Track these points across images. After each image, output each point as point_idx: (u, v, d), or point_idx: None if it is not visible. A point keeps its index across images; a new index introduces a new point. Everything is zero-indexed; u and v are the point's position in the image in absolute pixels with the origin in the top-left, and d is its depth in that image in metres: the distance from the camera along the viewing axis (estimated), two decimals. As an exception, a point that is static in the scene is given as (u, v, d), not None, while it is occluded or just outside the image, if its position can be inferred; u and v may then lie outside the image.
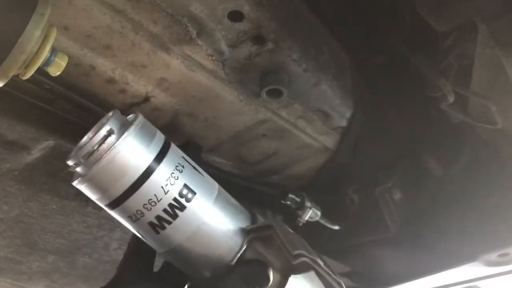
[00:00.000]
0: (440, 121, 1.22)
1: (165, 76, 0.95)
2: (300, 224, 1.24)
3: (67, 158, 0.61)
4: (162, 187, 0.60)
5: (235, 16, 0.87)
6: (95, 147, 0.58)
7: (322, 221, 1.29)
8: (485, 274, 1.31)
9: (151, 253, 0.72)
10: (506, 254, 1.16)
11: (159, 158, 0.61)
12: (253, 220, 0.71)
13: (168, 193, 0.60)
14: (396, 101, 1.26)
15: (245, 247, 0.66)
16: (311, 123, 1.18)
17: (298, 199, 1.23)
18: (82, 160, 0.59)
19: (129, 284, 0.68)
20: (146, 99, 0.98)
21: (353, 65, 1.21)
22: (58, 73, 0.69)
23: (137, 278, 0.69)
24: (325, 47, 1.09)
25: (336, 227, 1.34)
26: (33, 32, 0.60)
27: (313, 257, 0.67)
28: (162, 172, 0.60)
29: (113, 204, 0.60)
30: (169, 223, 0.61)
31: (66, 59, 0.69)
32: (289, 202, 1.23)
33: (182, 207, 0.61)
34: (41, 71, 0.67)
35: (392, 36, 1.17)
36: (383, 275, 1.44)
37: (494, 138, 1.15)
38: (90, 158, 0.59)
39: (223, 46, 0.93)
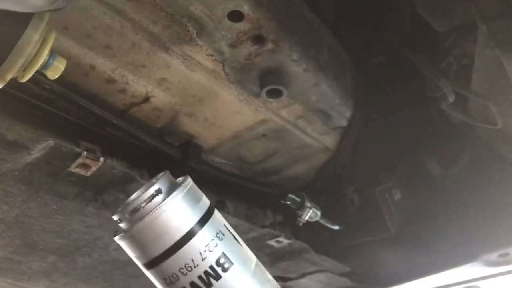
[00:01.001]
0: (440, 121, 1.23)
1: (165, 76, 0.95)
2: (300, 224, 1.24)
3: (114, 213, 0.62)
4: (200, 252, 0.60)
5: (235, 16, 0.87)
6: (142, 205, 0.59)
7: (322, 221, 1.29)
8: (485, 274, 1.32)
9: None
10: (506, 254, 1.17)
11: (201, 222, 0.61)
12: None
13: (206, 260, 0.60)
14: (396, 101, 1.26)
15: None
16: (311, 123, 1.18)
17: (298, 199, 1.23)
18: (127, 216, 0.60)
19: None
20: (146, 99, 0.98)
21: (353, 65, 1.21)
22: (57, 76, 0.69)
23: None
24: (325, 47, 1.09)
25: (336, 227, 1.34)
26: (32, 35, 0.60)
27: None
28: (202, 237, 0.60)
29: (151, 264, 0.60)
30: None
31: (64, 62, 0.69)
32: (289, 202, 1.23)
33: (218, 277, 0.60)
34: (40, 73, 0.67)
35: (392, 36, 1.17)
36: (383, 275, 1.45)
37: (494, 138, 1.15)
38: (135, 215, 0.59)
39: (223, 46, 0.93)
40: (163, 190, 0.60)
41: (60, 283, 1.26)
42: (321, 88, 1.09)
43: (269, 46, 0.94)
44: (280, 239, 1.25)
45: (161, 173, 0.62)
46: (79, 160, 0.94)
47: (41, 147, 0.95)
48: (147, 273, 0.62)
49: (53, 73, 0.68)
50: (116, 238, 0.61)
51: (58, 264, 1.19)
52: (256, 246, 1.26)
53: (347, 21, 1.20)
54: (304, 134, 1.21)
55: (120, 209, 0.60)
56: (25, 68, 0.62)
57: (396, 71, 1.23)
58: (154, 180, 0.60)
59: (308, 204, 1.23)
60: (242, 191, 1.25)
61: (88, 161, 0.94)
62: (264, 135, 1.17)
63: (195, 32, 0.89)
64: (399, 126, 1.28)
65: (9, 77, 0.62)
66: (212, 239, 0.61)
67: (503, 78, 0.91)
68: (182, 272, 0.59)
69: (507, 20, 0.80)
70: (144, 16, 0.84)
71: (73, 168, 0.98)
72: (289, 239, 1.26)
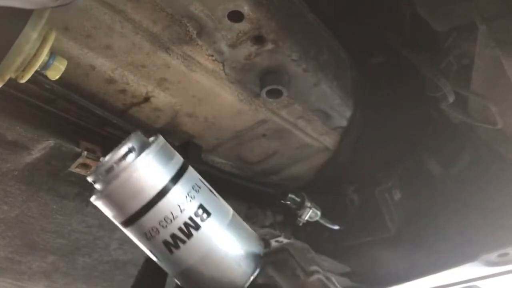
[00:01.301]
0: (440, 121, 1.23)
1: (165, 76, 0.95)
2: (300, 224, 1.24)
3: (88, 175, 0.62)
4: (178, 205, 0.61)
5: (235, 16, 0.87)
6: (115, 164, 0.60)
7: (322, 221, 1.29)
8: (485, 274, 1.32)
9: (162, 279, 0.72)
10: (506, 254, 1.17)
11: (176, 177, 0.62)
12: (266, 245, 0.71)
13: (184, 212, 0.61)
14: (396, 101, 1.26)
15: (258, 271, 0.66)
16: (311, 123, 1.18)
17: (298, 199, 1.23)
18: (101, 177, 0.60)
19: None
20: (146, 99, 0.98)
21: (353, 65, 1.21)
22: (57, 77, 0.69)
23: None
24: (325, 47, 1.09)
25: (336, 227, 1.34)
26: (30, 34, 0.60)
27: (327, 275, 0.66)
28: (179, 190, 0.61)
29: (129, 221, 0.61)
30: (184, 242, 0.62)
31: (65, 63, 0.69)
32: (289, 202, 1.23)
33: (197, 227, 0.62)
34: (40, 74, 0.67)
35: (392, 36, 1.17)
36: (383, 275, 1.45)
37: (494, 138, 1.15)
38: (109, 175, 0.60)
39: (223, 46, 0.93)
40: (136, 148, 0.60)
41: (60, 283, 1.26)
42: (321, 88, 1.09)
43: (269, 46, 0.94)
44: (280, 239, 1.25)
45: (133, 133, 0.62)
46: (79, 160, 0.94)
47: (41, 147, 0.95)
48: (126, 231, 0.63)
49: (54, 74, 0.68)
50: (92, 199, 0.62)
51: (58, 264, 1.19)
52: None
53: (347, 21, 1.20)
54: (304, 134, 1.21)
55: (93, 170, 0.61)
56: (24, 68, 0.62)
57: (396, 71, 1.23)
58: (126, 140, 0.61)
59: (308, 204, 1.23)
60: (242, 191, 1.25)
61: (88, 161, 0.94)
62: (264, 135, 1.17)
63: (195, 32, 0.89)
64: (399, 126, 1.28)
65: (7, 76, 0.61)
66: (189, 192, 0.62)
67: (503, 78, 0.91)
68: (162, 225, 0.60)
69: (507, 20, 0.80)
70: (144, 16, 0.84)
71: (73, 168, 0.98)
72: (289, 239, 1.26)
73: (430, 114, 1.25)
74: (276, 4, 0.91)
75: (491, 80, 0.99)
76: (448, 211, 1.23)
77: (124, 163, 0.59)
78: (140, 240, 0.63)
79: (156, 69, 0.92)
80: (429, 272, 1.30)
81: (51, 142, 0.90)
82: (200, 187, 0.64)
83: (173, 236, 0.61)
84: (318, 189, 1.37)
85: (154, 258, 0.65)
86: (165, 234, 0.61)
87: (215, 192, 0.67)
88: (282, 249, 0.67)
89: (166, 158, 0.62)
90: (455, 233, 1.21)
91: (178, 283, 0.68)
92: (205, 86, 0.99)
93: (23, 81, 0.64)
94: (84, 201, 1.07)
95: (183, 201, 0.61)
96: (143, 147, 0.61)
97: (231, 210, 0.68)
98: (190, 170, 0.65)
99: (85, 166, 0.97)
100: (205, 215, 0.62)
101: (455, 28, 0.97)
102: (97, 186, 0.62)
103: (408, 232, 1.27)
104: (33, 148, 0.95)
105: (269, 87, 0.99)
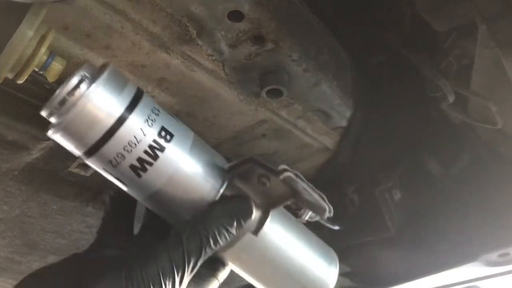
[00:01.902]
0: (440, 121, 1.22)
1: (165, 76, 0.95)
2: (300, 224, 1.24)
3: (41, 109, 0.61)
4: (141, 129, 0.61)
5: (235, 16, 0.87)
6: (68, 96, 0.59)
7: (322, 221, 1.29)
8: (485, 274, 1.32)
9: (131, 214, 0.72)
10: (506, 254, 1.17)
11: (134, 103, 0.62)
12: (229, 162, 0.71)
13: (148, 135, 0.61)
14: (396, 101, 1.26)
15: (225, 185, 0.67)
16: (311, 123, 1.18)
17: (298, 199, 1.23)
18: (55, 110, 0.60)
19: (110, 247, 0.68)
20: (146, 99, 0.98)
21: (353, 65, 1.21)
22: (56, 77, 0.68)
23: (118, 240, 0.69)
24: (325, 47, 1.09)
25: (336, 227, 1.33)
26: (26, 32, 0.59)
27: (295, 172, 0.66)
28: (139, 115, 0.61)
29: (92, 151, 0.61)
30: (151, 164, 0.62)
31: (64, 63, 0.68)
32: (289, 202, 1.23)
33: (162, 148, 0.62)
34: (39, 74, 0.67)
35: (392, 36, 1.17)
36: (383, 275, 1.45)
37: (494, 138, 1.15)
38: (63, 107, 0.59)
39: (223, 46, 0.93)
40: (88, 77, 0.60)
41: (60, 283, 1.26)
42: (321, 88, 1.09)
43: (269, 46, 0.94)
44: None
45: (83, 64, 0.62)
46: (79, 160, 0.94)
47: (41, 147, 0.95)
48: (90, 161, 0.62)
49: (52, 75, 0.67)
50: (49, 134, 0.61)
51: (58, 264, 1.19)
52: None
53: (347, 21, 1.20)
54: (304, 134, 1.21)
55: (46, 104, 0.60)
56: (21, 68, 0.61)
57: (396, 71, 1.23)
58: (75, 71, 0.60)
59: (308, 204, 1.22)
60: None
61: (88, 161, 0.94)
62: (264, 135, 1.17)
63: (195, 32, 0.89)
64: (399, 126, 1.28)
65: (2, 75, 0.61)
66: (149, 115, 0.62)
67: (503, 78, 0.91)
68: (127, 150, 0.61)
69: (507, 20, 0.80)
70: (144, 16, 0.84)
71: (73, 168, 0.98)
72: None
73: (430, 114, 1.25)
74: (276, 4, 0.91)
75: (491, 80, 0.99)
76: (448, 211, 1.23)
77: (77, 93, 0.59)
78: (106, 169, 0.63)
79: (156, 69, 0.92)
80: (429, 272, 1.30)
81: (51, 142, 0.90)
82: (159, 111, 0.64)
83: (140, 159, 0.61)
84: (318, 189, 1.36)
85: (122, 186, 0.65)
86: (131, 159, 0.61)
87: (173, 116, 0.67)
88: (246, 160, 0.67)
89: (120, 84, 0.62)
90: (455, 233, 1.21)
91: (149, 207, 0.68)
92: (205, 86, 0.99)
93: (20, 81, 0.64)
94: (84, 201, 1.07)
95: (145, 125, 0.61)
96: (95, 76, 0.60)
97: (192, 132, 0.69)
98: (146, 95, 0.65)
99: (85, 166, 0.97)
100: (168, 137, 0.63)
101: (455, 28, 0.97)
102: (53, 120, 0.61)
103: (408, 232, 1.27)
104: (33, 148, 0.95)
105: (269, 87, 0.99)
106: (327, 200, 0.71)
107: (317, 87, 1.08)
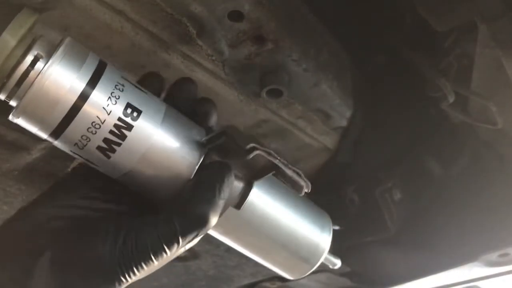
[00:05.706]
0: (440, 121, 1.22)
1: (165, 76, 0.94)
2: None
3: None
4: (103, 107, 0.57)
5: (235, 16, 0.87)
6: (24, 76, 0.55)
7: (322, 221, 1.29)
8: (485, 274, 1.31)
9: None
10: (506, 254, 1.16)
11: (94, 79, 0.57)
12: (208, 132, 0.68)
13: (111, 114, 0.58)
14: (396, 101, 1.26)
15: (202, 159, 0.64)
16: (311, 123, 1.18)
17: (298, 199, 1.23)
18: (12, 92, 0.57)
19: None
20: (146, 99, 0.98)
21: (353, 65, 1.21)
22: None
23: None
24: (325, 47, 1.09)
25: (336, 227, 1.33)
26: (8, 41, 0.54)
27: (267, 149, 0.65)
28: (100, 92, 0.58)
29: (56, 134, 0.58)
30: (119, 144, 0.59)
31: None
32: (289, 202, 1.23)
33: (129, 127, 0.59)
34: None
35: (392, 36, 1.17)
36: (383, 275, 1.45)
37: (494, 138, 1.15)
38: (21, 88, 0.56)
39: (223, 46, 0.93)
40: (43, 55, 0.56)
41: (60, 283, 1.26)
42: (321, 88, 1.09)
43: (269, 46, 0.94)
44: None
45: (37, 41, 0.58)
46: (79, 160, 0.94)
47: (41, 147, 0.95)
48: (57, 144, 0.61)
49: None
50: (10, 117, 0.58)
51: (58, 264, 1.19)
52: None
53: (347, 21, 1.20)
54: (304, 134, 1.21)
55: (1, 85, 0.57)
56: (3, 82, 0.56)
57: (396, 71, 1.23)
58: (29, 48, 0.56)
59: (308, 204, 1.22)
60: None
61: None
62: (264, 135, 1.17)
63: (195, 32, 0.89)
64: (399, 126, 1.28)
65: None
66: (112, 92, 0.58)
67: (503, 78, 0.91)
68: (92, 132, 0.58)
69: (507, 20, 0.80)
70: (144, 16, 0.84)
71: (73, 168, 0.98)
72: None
73: (430, 114, 1.25)
74: (276, 4, 0.91)
75: (491, 80, 0.99)
76: (448, 211, 1.23)
77: (33, 72, 0.55)
78: (74, 152, 0.61)
79: (156, 69, 0.92)
80: (429, 272, 1.30)
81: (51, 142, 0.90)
82: (124, 85, 0.60)
83: (106, 140, 0.59)
84: (318, 189, 1.36)
85: (94, 167, 0.63)
86: (97, 140, 0.59)
87: (143, 89, 0.64)
88: (221, 132, 0.66)
89: (79, 59, 0.58)
90: (455, 233, 1.21)
91: (126, 185, 0.66)
92: (205, 86, 0.99)
93: (2, 96, 0.58)
94: (84, 201, 1.07)
95: (108, 103, 0.58)
96: (50, 53, 0.57)
97: (164, 105, 0.65)
98: (110, 68, 0.61)
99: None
100: (135, 113, 0.60)
101: (455, 28, 0.97)
102: (12, 102, 0.58)
103: (408, 232, 1.27)
104: (33, 148, 0.95)
105: (269, 87, 0.99)
106: (303, 177, 0.69)
107: (317, 87, 1.08)
